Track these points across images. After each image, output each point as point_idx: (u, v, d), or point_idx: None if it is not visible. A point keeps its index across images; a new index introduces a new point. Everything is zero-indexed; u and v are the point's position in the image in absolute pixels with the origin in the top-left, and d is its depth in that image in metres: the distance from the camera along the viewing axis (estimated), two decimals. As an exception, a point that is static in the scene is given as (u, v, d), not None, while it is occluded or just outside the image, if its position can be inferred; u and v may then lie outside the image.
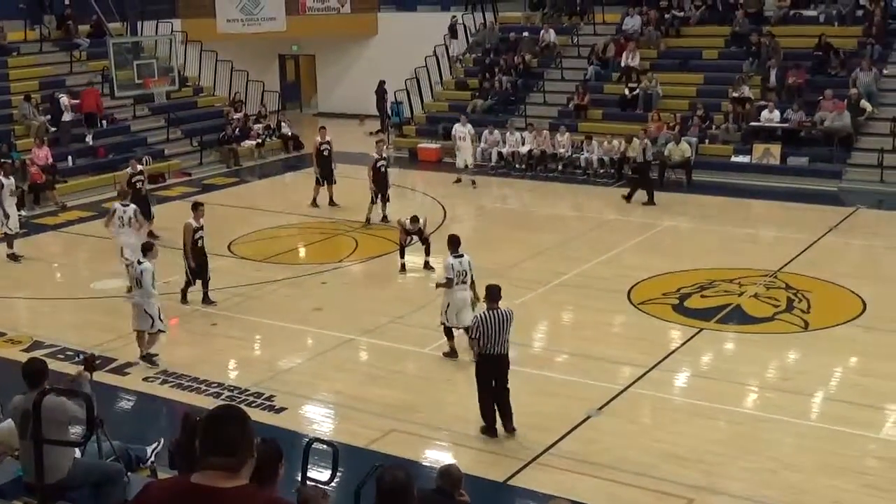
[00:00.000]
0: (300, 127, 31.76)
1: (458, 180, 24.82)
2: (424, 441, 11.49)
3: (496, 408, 11.31)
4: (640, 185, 22.55)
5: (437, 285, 14.07)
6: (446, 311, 13.54)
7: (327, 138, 22.62)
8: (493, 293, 11.30)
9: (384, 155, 21.24)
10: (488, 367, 11.22)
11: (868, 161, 23.68)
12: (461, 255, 13.62)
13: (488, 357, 11.15)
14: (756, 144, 24.98)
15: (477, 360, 11.44)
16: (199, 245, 15.89)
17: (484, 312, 11.22)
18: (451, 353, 13.58)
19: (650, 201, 22.26)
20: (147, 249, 13.90)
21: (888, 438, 11.25)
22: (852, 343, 14.15)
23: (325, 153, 22.47)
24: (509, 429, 11.34)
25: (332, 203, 22.50)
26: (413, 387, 12.96)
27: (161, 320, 13.75)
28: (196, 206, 16.24)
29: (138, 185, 19.82)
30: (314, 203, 22.58)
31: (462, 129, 24.83)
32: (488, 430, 11.37)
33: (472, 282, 13.50)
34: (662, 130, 25.57)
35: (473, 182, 24.38)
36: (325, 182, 22.49)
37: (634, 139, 23.22)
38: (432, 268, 17.41)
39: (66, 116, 26.10)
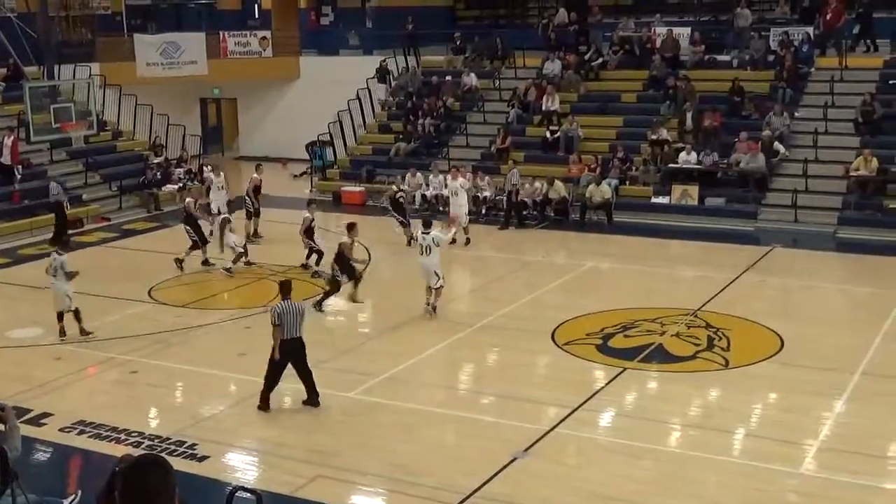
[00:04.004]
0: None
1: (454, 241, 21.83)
2: (350, 486, 11.36)
3: (304, 386, 13.30)
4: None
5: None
6: None
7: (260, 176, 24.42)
8: (286, 287, 13.43)
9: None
10: (287, 349, 13.08)
11: (782, 201, 24.27)
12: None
13: (287, 341, 13.04)
14: (675, 186, 25.47)
15: (278, 345, 13.05)
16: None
17: (282, 303, 13.12)
18: None
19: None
20: (427, 224, 17.59)
21: (808, 473, 11.42)
22: (771, 380, 14.39)
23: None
24: (315, 402, 13.31)
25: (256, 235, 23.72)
26: (338, 431, 12.83)
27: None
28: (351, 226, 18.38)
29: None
30: (256, 234, 23.71)
31: (454, 184, 23.64)
32: (264, 403, 13.26)
33: None
34: (584, 172, 25.93)
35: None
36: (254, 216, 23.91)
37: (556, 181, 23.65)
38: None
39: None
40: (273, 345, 13.14)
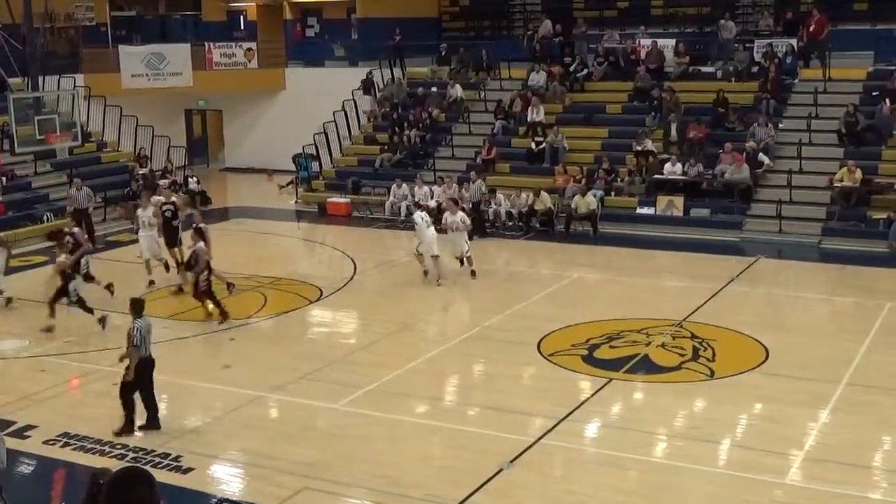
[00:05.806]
0: (208, 182, 31.46)
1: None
2: (336, 498, 11.33)
3: (146, 408, 12.92)
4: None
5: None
6: None
7: (172, 198, 21.33)
8: (138, 305, 12.96)
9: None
10: (149, 367, 12.79)
11: (767, 212, 24.38)
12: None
13: (147, 358, 12.74)
14: (660, 196, 25.55)
15: (135, 364, 12.65)
16: None
17: (139, 323, 12.64)
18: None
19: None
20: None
21: (793, 484, 11.45)
22: (757, 390, 14.42)
23: (167, 214, 20.80)
24: (147, 426, 12.97)
25: (179, 267, 20.26)
26: (324, 443, 12.80)
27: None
28: None
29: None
30: (167, 268, 20.74)
31: (453, 218, 20.85)
32: (154, 423, 12.96)
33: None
34: (569, 183, 25.99)
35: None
36: (169, 246, 20.71)
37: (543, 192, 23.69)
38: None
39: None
40: (129, 365, 12.65)
